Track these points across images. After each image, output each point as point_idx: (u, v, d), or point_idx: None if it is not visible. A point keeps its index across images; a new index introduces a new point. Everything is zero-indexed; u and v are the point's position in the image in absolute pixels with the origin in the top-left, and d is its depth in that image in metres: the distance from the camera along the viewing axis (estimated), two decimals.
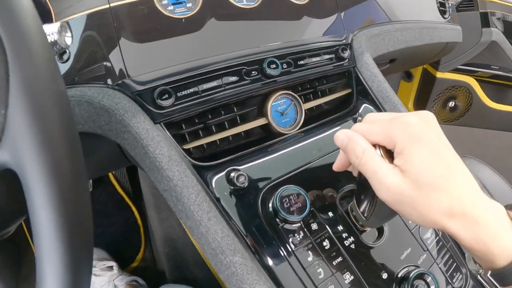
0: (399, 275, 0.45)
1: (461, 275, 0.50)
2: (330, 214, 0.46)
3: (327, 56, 0.59)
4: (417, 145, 0.31)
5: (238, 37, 0.52)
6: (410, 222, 0.49)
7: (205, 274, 0.80)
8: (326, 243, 0.43)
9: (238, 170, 0.45)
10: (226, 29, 0.51)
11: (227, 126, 0.50)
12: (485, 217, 0.31)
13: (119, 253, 1.06)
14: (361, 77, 0.62)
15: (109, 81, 0.44)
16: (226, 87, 0.49)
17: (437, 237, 0.51)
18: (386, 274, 0.44)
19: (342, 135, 0.36)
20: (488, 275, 0.33)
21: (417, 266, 0.46)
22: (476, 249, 0.32)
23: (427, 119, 0.33)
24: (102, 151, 0.58)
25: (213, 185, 0.44)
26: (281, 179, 0.47)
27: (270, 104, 0.52)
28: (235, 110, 0.51)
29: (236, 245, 0.40)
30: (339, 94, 0.61)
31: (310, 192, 0.46)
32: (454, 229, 0.31)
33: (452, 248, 0.52)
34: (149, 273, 1.09)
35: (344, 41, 0.62)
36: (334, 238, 0.44)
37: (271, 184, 0.46)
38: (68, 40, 0.34)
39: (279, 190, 0.44)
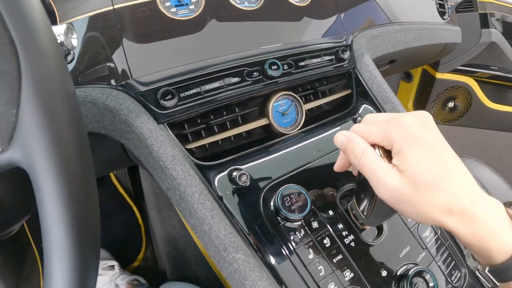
0: (398, 273, 0.45)
1: (459, 273, 0.51)
2: (331, 212, 0.46)
3: (327, 57, 0.60)
4: (414, 145, 0.31)
5: (240, 39, 0.52)
6: (409, 220, 0.50)
7: (207, 273, 0.81)
8: (326, 241, 0.44)
9: (240, 169, 0.46)
10: (228, 30, 0.52)
11: (229, 126, 0.51)
12: (484, 215, 0.31)
13: (120, 252, 1.07)
14: (360, 78, 0.63)
15: (113, 82, 0.45)
16: (228, 88, 0.50)
17: (436, 236, 0.51)
18: (385, 271, 0.45)
19: (341, 136, 0.36)
20: (486, 271, 0.34)
21: (416, 264, 0.47)
22: (474, 245, 0.32)
23: (424, 119, 0.34)
24: (105, 151, 0.59)
25: (216, 184, 0.45)
26: (282, 178, 0.48)
27: (271, 104, 0.53)
28: (237, 110, 0.52)
29: (238, 242, 0.40)
30: (339, 95, 0.62)
31: (310, 191, 0.47)
32: (452, 226, 0.31)
33: (450, 247, 0.52)
34: (150, 272, 1.09)
35: (344, 42, 0.63)
36: (335, 236, 0.45)
37: (272, 183, 0.47)
38: (74, 42, 0.34)
39: (280, 189, 0.44)
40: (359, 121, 0.50)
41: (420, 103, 1.45)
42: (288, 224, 0.44)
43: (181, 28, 0.49)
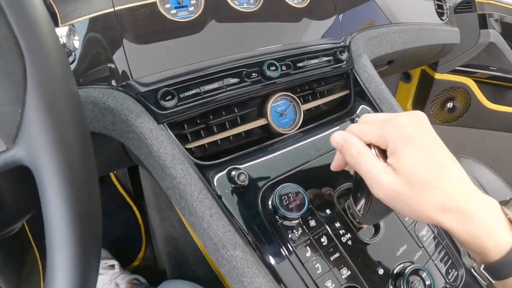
0: (395, 271, 0.46)
1: (456, 272, 0.51)
2: (328, 211, 0.47)
3: (325, 58, 0.60)
4: (409, 145, 0.32)
5: (239, 40, 0.53)
6: (406, 219, 0.51)
7: (206, 272, 0.81)
8: (324, 240, 0.45)
9: (239, 169, 0.46)
10: (227, 32, 0.53)
11: (228, 126, 0.52)
12: (479, 212, 0.31)
13: (120, 252, 1.07)
14: (358, 79, 0.63)
15: (114, 83, 0.45)
16: (227, 88, 0.50)
17: (433, 235, 0.52)
18: (382, 270, 0.45)
19: (337, 136, 0.37)
20: (481, 268, 0.34)
21: (413, 263, 0.47)
22: (470, 243, 0.32)
23: (419, 119, 0.34)
24: (105, 150, 0.59)
25: (215, 183, 0.45)
26: (280, 178, 0.48)
27: (270, 105, 0.54)
28: (236, 111, 0.52)
29: (237, 240, 0.41)
30: (337, 95, 0.62)
31: (308, 190, 0.47)
32: (448, 223, 0.32)
33: (447, 246, 0.53)
34: (150, 272, 1.09)
35: (342, 43, 0.63)
36: (332, 235, 0.45)
37: (270, 182, 0.47)
38: (76, 44, 0.35)
39: (278, 188, 0.45)
40: (357, 121, 0.50)
41: (419, 104, 1.45)
42: (286, 223, 0.44)
43: (180, 29, 0.49)
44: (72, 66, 0.45)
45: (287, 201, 0.44)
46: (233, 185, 0.45)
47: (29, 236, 1.05)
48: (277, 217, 0.44)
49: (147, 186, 0.92)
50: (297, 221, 0.45)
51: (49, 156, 0.22)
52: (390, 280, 0.45)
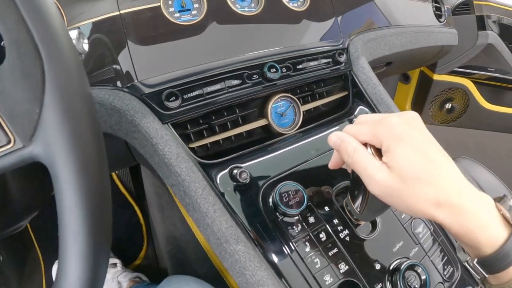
0: (391, 267, 0.47)
1: (452, 268, 0.52)
2: (326, 208, 0.48)
3: (324, 60, 0.61)
4: (401, 143, 0.33)
5: (240, 43, 0.54)
6: (402, 216, 0.52)
7: (207, 270, 0.82)
8: (322, 235, 0.46)
9: (241, 167, 0.48)
10: (229, 35, 0.54)
11: (229, 126, 0.53)
12: (472, 207, 0.32)
13: (122, 251, 1.07)
14: (356, 80, 0.64)
15: (119, 84, 0.47)
16: (229, 89, 0.52)
17: (429, 231, 0.53)
18: (379, 265, 0.47)
19: (334, 136, 0.39)
20: (475, 262, 0.35)
21: (409, 258, 0.48)
22: (463, 236, 0.33)
23: (409, 119, 0.36)
24: (109, 150, 0.60)
25: (218, 181, 0.47)
26: (280, 176, 0.50)
27: (270, 106, 0.55)
28: (237, 111, 0.54)
29: (239, 235, 0.42)
30: (335, 96, 0.63)
31: (307, 188, 0.49)
32: (441, 218, 0.33)
33: (443, 242, 0.54)
34: (151, 270, 1.10)
35: (341, 45, 0.65)
36: (330, 231, 0.47)
37: (271, 181, 0.49)
38: (86, 46, 0.37)
39: (278, 186, 0.46)
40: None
41: (417, 105, 1.46)
42: (286, 219, 0.46)
43: (184, 32, 0.51)
44: None
45: (287, 199, 0.45)
46: (235, 183, 0.47)
47: (31, 235, 1.06)
48: (277, 213, 0.46)
49: (148, 185, 0.93)
50: (297, 217, 0.46)
51: (66, 154, 0.24)
52: (386, 275, 0.46)
